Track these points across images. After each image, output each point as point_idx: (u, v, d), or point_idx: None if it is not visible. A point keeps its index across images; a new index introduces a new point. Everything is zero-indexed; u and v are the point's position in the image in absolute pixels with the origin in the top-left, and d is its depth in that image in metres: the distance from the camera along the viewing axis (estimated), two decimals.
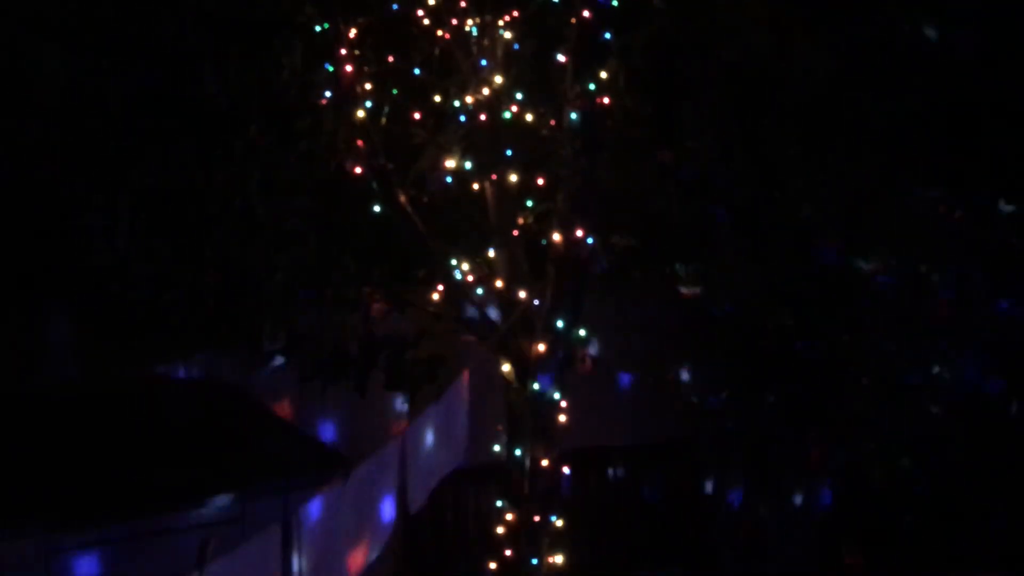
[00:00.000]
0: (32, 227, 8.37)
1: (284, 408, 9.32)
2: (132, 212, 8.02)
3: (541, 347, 7.47)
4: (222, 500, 7.96)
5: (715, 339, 8.80)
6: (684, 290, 8.68)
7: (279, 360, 8.61)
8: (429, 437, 8.19)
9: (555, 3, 7.44)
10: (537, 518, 7.43)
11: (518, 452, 7.50)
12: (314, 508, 7.28)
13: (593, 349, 8.71)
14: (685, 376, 9.11)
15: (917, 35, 8.16)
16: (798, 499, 9.19)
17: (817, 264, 8.28)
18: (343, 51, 7.45)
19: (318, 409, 9.29)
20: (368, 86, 7.55)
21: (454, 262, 7.70)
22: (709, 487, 9.48)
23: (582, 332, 7.64)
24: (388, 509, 7.89)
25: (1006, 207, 8.31)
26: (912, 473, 8.88)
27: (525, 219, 7.69)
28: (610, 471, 10.08)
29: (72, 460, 7.89)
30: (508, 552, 7.43)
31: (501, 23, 7.52)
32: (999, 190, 8.45)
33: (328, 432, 9.29)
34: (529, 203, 7.65)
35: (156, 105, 7.93)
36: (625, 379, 9.83)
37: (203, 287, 7.98)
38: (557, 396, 7.55)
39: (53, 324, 9.18)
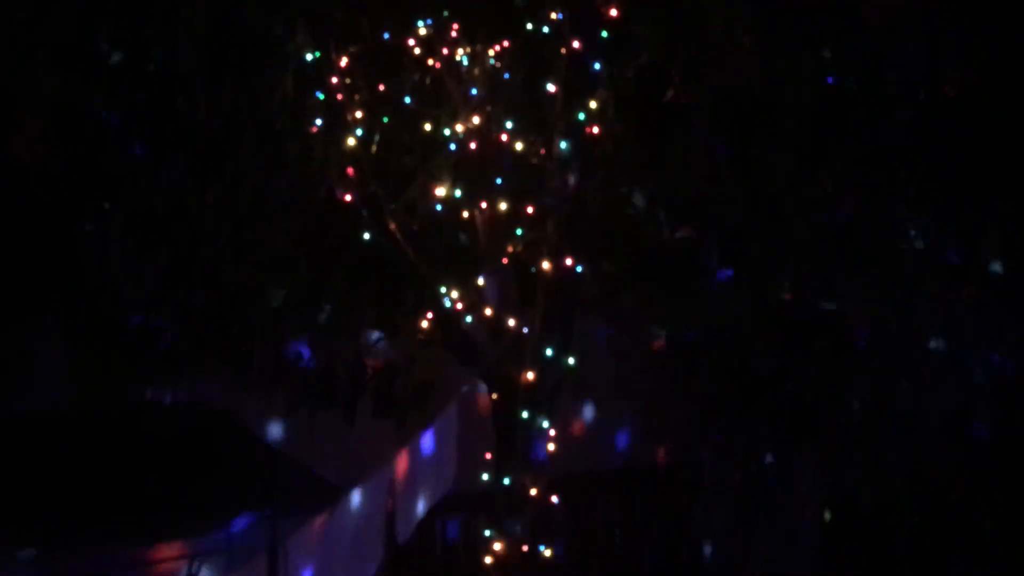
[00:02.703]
0: (23, 248, 8.36)
1: (272, 434, 9.29)
2: (123, 235, 8.02)
3: (530, 375, 7.48)
4: (209, 527, 7.92)
5: (704, 365, 8.80)
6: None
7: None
8: (418, 465, 8.17)
9: (545, 33, 7.48)
10: (526, 548, 7.41)
11: (506, 480, 7.49)
12: (302, 536, 7.25)
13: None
14: (674, 404, 9.10)
15: (904, 67, 8.21)
16: (789, 524, 9.18)
17: (810, 280, 8.29)
18: (335, 79, 7.48)
19: (306, 435, 9.26)
20: (359, 114, 7.58)
21: (444, 289, 7.71)
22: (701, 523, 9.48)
23: (571, 360, 7.65)
24: (376, 538, 7.87)
25: (996, 267, 8.33)
26: (904, 499, 8.87)
27: (515, 247, 7.71)
28: (599, 498, 10.07)
29: (55, 487, 7.84)
30: None
31: (492, 52, 7.56)
32: (987, 219, 8.47)
33: (316, 459, 9.25)
34: (519, 231, 7.67)
35: (148, 128, 7.94)
36: (615, 404, 9.82)
37: (193, 311, 7.97)
38: (546, 424, 7.55)
39: (43, 346, 9.15)
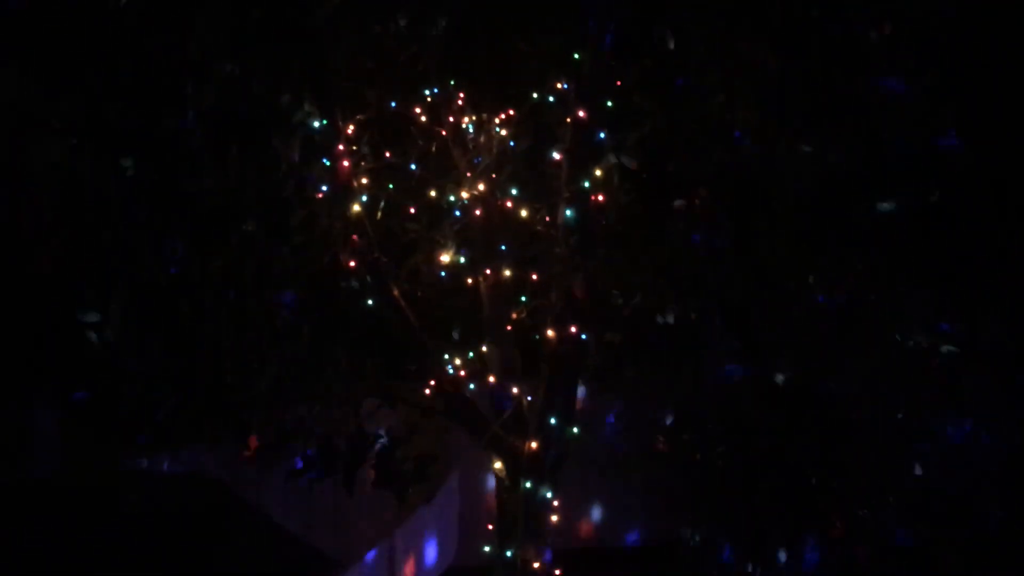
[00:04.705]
0: (24, 319, 8.34)
1: (271, 506, 9.13)
2: (125, 305, 7.99)
3: (533, 444, 7.37)
4: None
5: (707, 440, 8.69)
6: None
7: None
8: (419, 538, 8.01)
9: (551, 102, 7.56)
10: None
11: (509, 553, 7.32)
12: None
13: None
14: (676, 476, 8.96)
15: (904, 143, 8.28)
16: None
17: (812, 355, 8.22)
18: (341, 147, 7.53)
19: (305, 507, 9.11)
20: (364, 181, 7.61)
21: (447, 357, 7.65)
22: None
23: (575, 429, 7.55)
24: None
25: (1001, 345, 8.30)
26: (908, 564, 8.68)
27: (518, 314, 7.67)
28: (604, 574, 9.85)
29: (46, 562, 7.68)
30: None
31: (497, 121, 7.63)
32: (990, 297, 8.45)
33: (316, 532, 9.09)
34: (523, 298, 7.64)
35: (153, 199, 7.97)
36: (619, 478, 9.68)
37: (193, 382, 7.90)
38: (549, 495, 7.42)
39: (40, 416, 9.08)
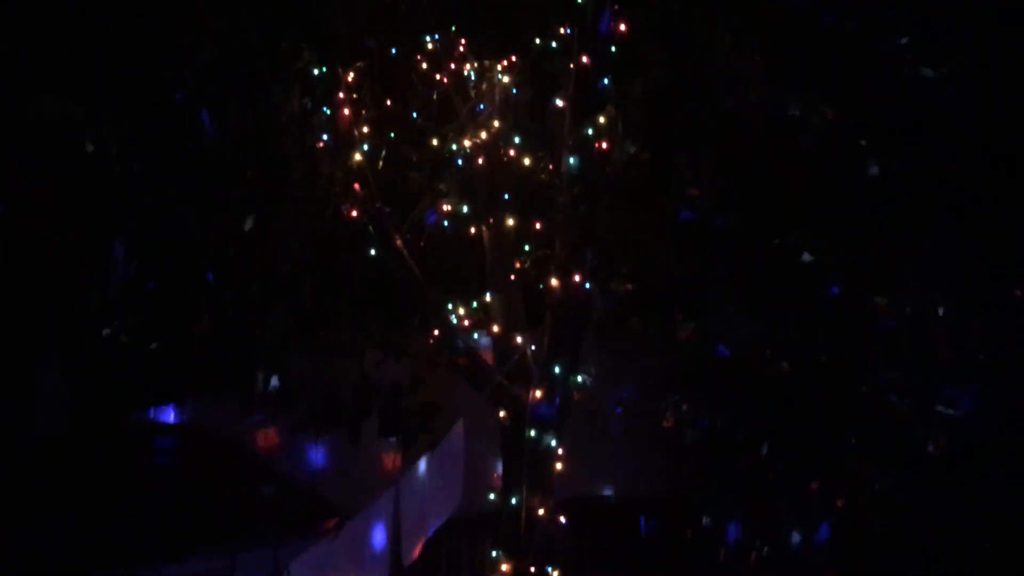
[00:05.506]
0: (25, 276, 8.32)
1: (276, 456, 9.18)
2: (125, 261, 7.97)
3: (538, 394, 7.36)
4: (210, 552, 7.79)
5: (714, 385, 8.69)
6: (682, 334, 8.60)
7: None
8: (424, 487, 8.05)
9: (554, 48, 7.47)
10: (533, 569, 7.25)
11: (514, 501, 7.35)
12: (306, 560, 7.11)
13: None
14: (683, 418, 8.96)
15: (912, 90, 8.20)
16: (796, 539, 9.02)
17: (816, 310, 8.19)
18: (341, 95, 7.46)
19: (311, 457, 9.16)
20: (366, 129, 7.55)
21: (450, 307, 7.63)
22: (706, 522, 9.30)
23: (580, 378, 7.54)
24: (381, 561, 7.73)
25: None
26: (913, 522, 8.72)
27: (522, 264, 7.63)
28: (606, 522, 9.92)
29: (56, 513, 7.74)
30: None
31: (499, 68, 7.55)
32: (1000, 244, 8.41)
33: (320, 481, 9.13)
34: (526, 248, 7.60)
35: (153, 153, 7.91)
36: (624, 427, 9.70)
37: (195, 336, 7.89)
38: (554, 443, 7.42)
39: (44, 372, 9.09)
